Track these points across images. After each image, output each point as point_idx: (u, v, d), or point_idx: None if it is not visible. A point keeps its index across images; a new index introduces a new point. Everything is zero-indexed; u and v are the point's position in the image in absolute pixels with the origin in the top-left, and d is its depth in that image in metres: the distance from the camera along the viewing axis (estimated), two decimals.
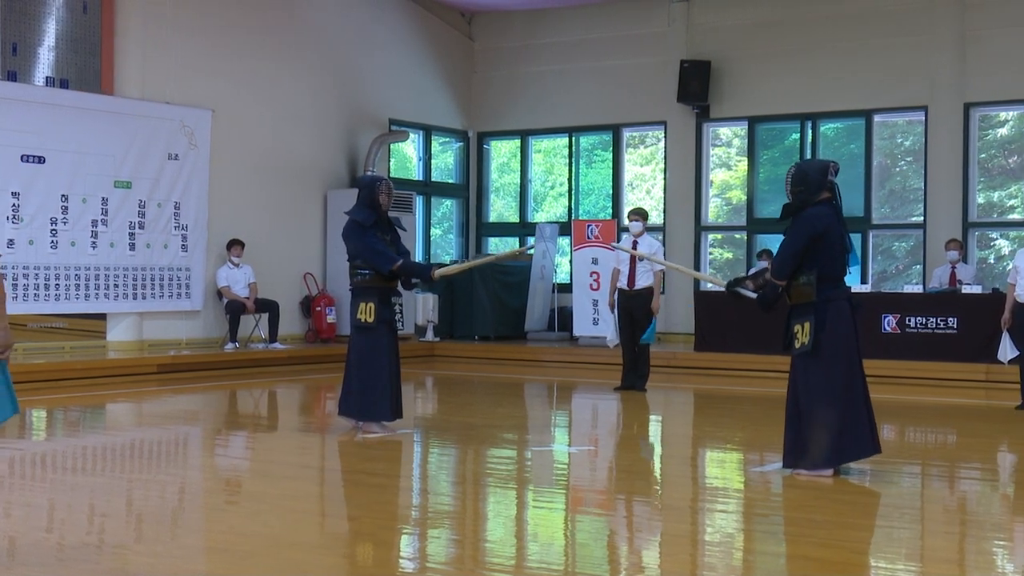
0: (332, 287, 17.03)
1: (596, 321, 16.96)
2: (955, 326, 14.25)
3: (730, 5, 18.00)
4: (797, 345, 7.57)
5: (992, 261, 17.20)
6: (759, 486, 7.62)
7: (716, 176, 18.74)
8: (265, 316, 15.76)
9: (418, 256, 18.55)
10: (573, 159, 19.53)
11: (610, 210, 18.95)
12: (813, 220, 7.51)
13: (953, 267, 15.13)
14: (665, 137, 18.55)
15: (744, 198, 18.16)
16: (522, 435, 10.07)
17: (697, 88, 17.70)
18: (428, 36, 19.20)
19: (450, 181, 20.15)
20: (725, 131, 18.78)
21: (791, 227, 7.62)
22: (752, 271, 13.32)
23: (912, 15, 16.78)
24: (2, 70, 13.88)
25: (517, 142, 20.05)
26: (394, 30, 18.61)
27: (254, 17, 16.44)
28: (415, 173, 19.50)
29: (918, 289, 15.10)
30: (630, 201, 18.78)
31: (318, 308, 16.78)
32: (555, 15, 19.25)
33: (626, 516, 6.85)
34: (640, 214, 13.00)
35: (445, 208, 20.35)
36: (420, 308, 17.56)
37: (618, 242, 14.61)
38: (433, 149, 19.68)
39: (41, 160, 13.96)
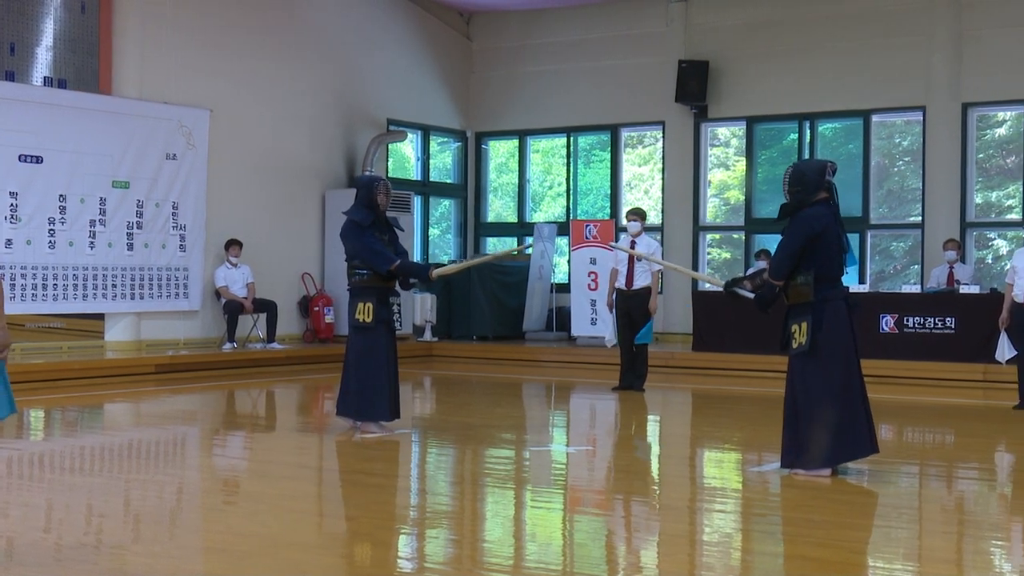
0: (330, 287, 17.03)
1: (594, 321, 16.96)
2: (953, 326, 14.26)
3: (728, 5, 18.01)
4: (794, 345, 7.57)
5: (990, 261, 17.21)
6: (757, 486, 7.63)
7: (714, 176, 18.75)
8: (263, 316, 15.76)
9: (416, 256, 18.55)
10: (571, 159, 19.53)
11: (608, 210, 18.95)
12: (811, 220, 7.51)
13: (951, 267, 15.13)
14: (663, 137, 18.56)
15: (742, 198, 18.16)
16: (520, 435, 10.06)
17: (695, 88, 17.71)
18: (426, 36, 19.20)
19: (448, 181, 20.15)
20: (723, 131, 18.78)
21: (789, 227, 7.62)
22: (750, 271, 13.33)
23: (910, 15, 16.79)
24: (0, 70, 13.87)
25: (515, 142, 20.05)
26: (392, 30, 18.61)
27: (252, 17, 16.43)
28: (413, 173, 19.50)
29: (916, 289, 15.11)
30: (628, 201, 18.78)
31: (316, 308, 16.78)
32: (553, 15, 19.25)
33: (624, 516, 6.85)
34: (638, 214, 13.00)
35: (443, 208, 20.35)
36: (418, 308, 17.56)
37: (616, 242, 14.60)
38: (431, 149, 19.67)
39: (39, 160, 13.95)
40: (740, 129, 18.25)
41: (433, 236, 20.00)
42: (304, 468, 8.38)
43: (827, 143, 17.87)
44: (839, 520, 6.48)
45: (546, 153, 20.33)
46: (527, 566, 5.55)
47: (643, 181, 19.52)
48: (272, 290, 16.09)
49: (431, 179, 19.66)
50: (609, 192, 19.17)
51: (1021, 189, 16.39)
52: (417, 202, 18.92)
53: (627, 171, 19.39)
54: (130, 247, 14.92)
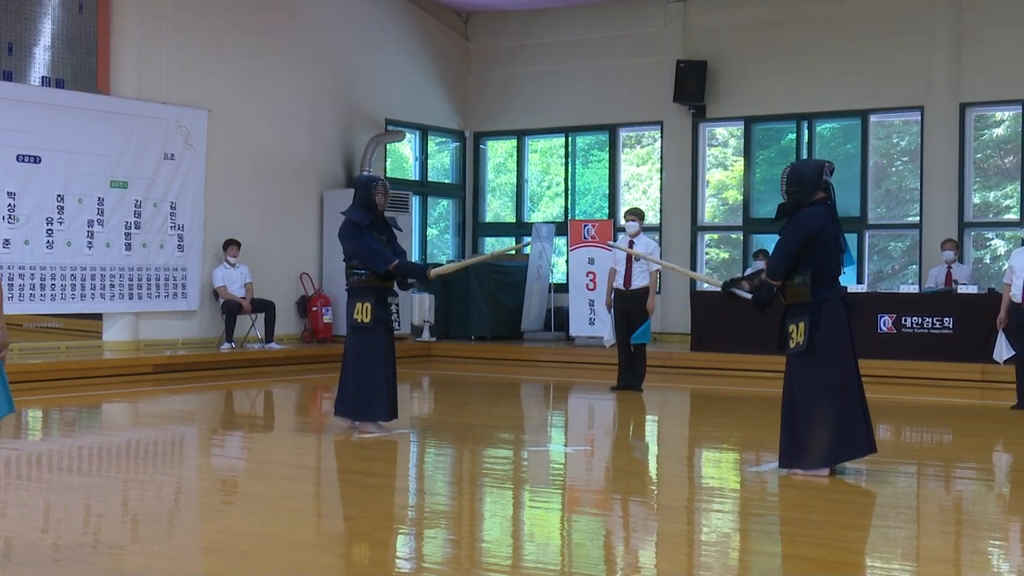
0: (328, 287, 17.03)
1: (592, 321, 16.96)
2: (951, 326, 14.27)
3: (726, 5, 18.01)
4: (792, 345, 7.57)
5: (988, 261, 17.21)
6: (755, 486, 7.63)
7: (712, 176, 18.75)
8: (261, 316, 15.76)
9: (415, 256, 18.55)
10: (569, 159, 19.54)
11: (606, 210, 18.96)
12: (808, 220, 7.51)
13: (949, 267, 15.14)
14: (661, 137, 18.56)
15: (740, 198, 18.17)
16: (518, 435, 10.06)
17: (693, 88, 17.72)
18: (424, 36, 19.20)
19: (446, 181, 20.15)
20: (721, 131, 18.78)
21: (786, 227, 7.62)
22: (748, 271, 13.33)
23: (908, 15, 16.80)
24: None
25: (513, 142, 20.06)
26: (390, 30, 18.61)
27: (250, 17, 16.43)
28: (411, 173, 19.50)
29: (914, 289, 15.12)
30: (626, 201, 18.79)
31: (314, 308, 16.78)
32: (551, 15, 19.25)
33: (622, 516, 6.85)
34: (636, 214, 13.01)
35: (441, 208, 20.35)
36: (416, 308, 17.56)
37: (614, 242, 14.60)
38: (429, 149, 19.67)
39: (37, 160, 13.95)
40: (738, 129, 18.25)
41: (431, 236, 20.00)
42: (302, 468, 8.38)
43: (825, 143, 17.88)
44: (837, 520, 6.48)
45: (544, 153, 20.33)
46: (525, 566, 5.55)
47: (641, 181, 19.53)
48: (270, 290, 16.09)
49: (429, 179, 19.66)
50: (607, 192, 19.17)
51: (1019, 189, 16.40)
52: (415, 202, 18.93)
53: (625, 171, 19.40)
54: (128, 247, 14.92)
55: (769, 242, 16.49)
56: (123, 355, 14.48)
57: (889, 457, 8.36)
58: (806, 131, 17.55)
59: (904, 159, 17.72)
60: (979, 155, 16.99)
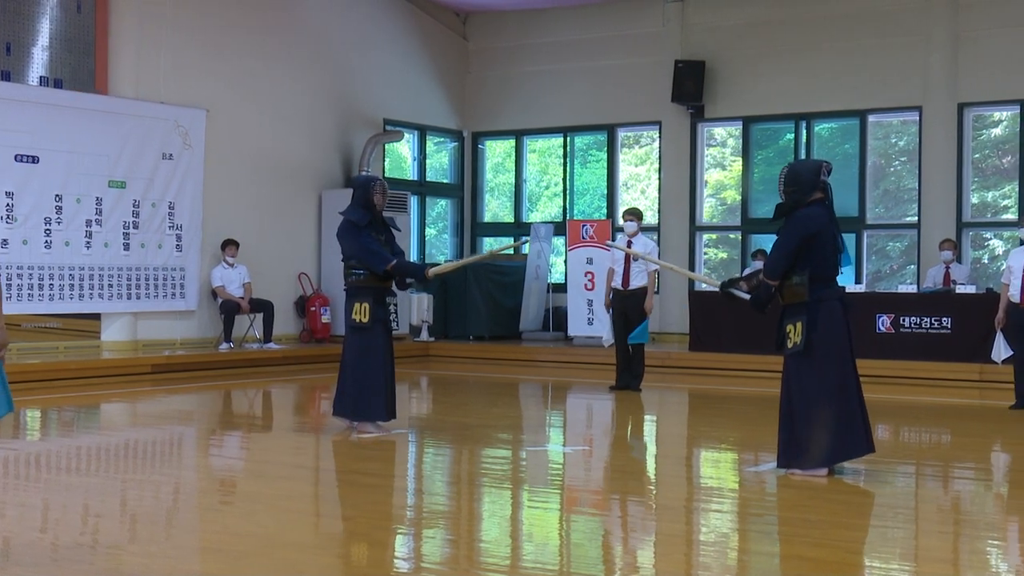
0: (327, 287, 17.03)
1: (591, 321, 16.96)
2: (949, 326, 14.27)
3: (724, 5, 18.02)
4: (789, 345, 7.57)
5: (986, 261, 17.22)
6: (754, 486, 7.63)
7: (711, 176, 18.75)
8: (260, 316, 15.76)
9: (413, 256, 18.55)
10: (568, 159, 19.54)
11: (605, 210, 18.96)
12: (806, 220, 7.52)
13: (947, 267, 15.15)
14: (660, 137, 18.57)
15: (739, 198, 18.17)
16: (517, 435, 10.06)
17: (692, 88, 17.72)
18: (423, 36, 19.20)
19: (445, 181, 20.15)
20: (720, 131, 18.79)
21: (784, 227, 7.63)
22: (747, 271, 13.33)
23: (906, 16, 16.81)
24: None
25: (512, 142, 20.06)
26: (389, 30, 18.61)
27: (249, 17, 16.43)
28: (410, 173, 19.50)
29: (912, 289, 15.12)
30: (625, 201, 18.79)
31: (313, 308, 16.78)
32: (549, 15, 19.25)
33: (621, 516, 6.85)
34: (634, 214, 13.01)
35: (440, 208, 20.35)
36: (415, 308, 17.56)
37: (612, 242, 14.60)
38: (428, 149, 19.67)
39: (35, 160, 13.94)
40: (736, 129, 18.26)
41: (430, 236, 20.00)
42: (301, 468, 8.38)
43: (823, 143, 17.88)
44: (835, 520, 6.48)
45: (543, 153, 20.33)
46: (524, 566, 5.55)
47: (639, 181, 19.53)
48: (269, 290, 16.09)
49: (428, 179, 19.66)
50: (605, 192, 19.18)
51: (1017, 189, 16.40)
52: (414, 202, 18.93)
53: (623, 171, 19.40)
54: (126, 247, 14.91)
55: (767, 242, 16.49)
56: (121, 355, 14.48)
57: (887, 457, 8.36)
58: (804, 131, 17.55)
59: (902, 159, 17.73)
60: (977, 155, 17.00)
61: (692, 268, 17.82)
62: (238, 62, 16.22)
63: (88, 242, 14.51)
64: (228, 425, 10.94)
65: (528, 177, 20.12)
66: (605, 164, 19.23)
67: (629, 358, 12.89)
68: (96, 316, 15.09)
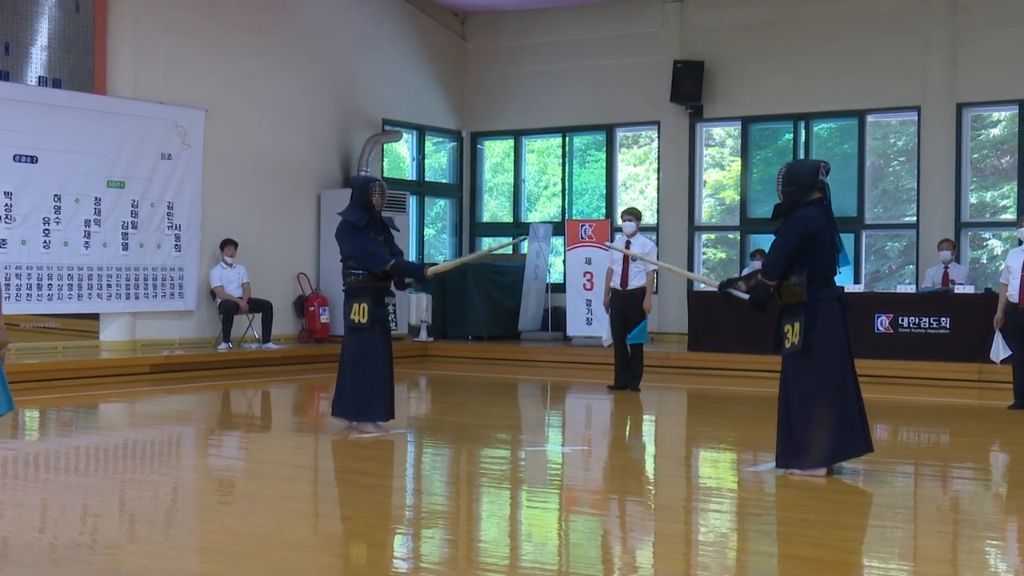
0: (325, 287, 17.03)
1: (590, 321, 16.96)
2: (948, 326, 14.27)
3: (723, 5, 18.02)
4: (787, 345, 7.57)
5: (985, 261, 17.23)
6: (752, 486, 7.63)
7: (709, 176, 18.76)
8: (258, 316, 15.75)
9: (412, 256, 18.54)
10: (566, 159, 19.54)
11: (603, 210, 18.96)
12: (804, 220, 7.52)
13: (946, 267, 15.15)
14: (658, 137, 18.57)
15: (737, 198, 18.18)
16: (516, 435, 10.06)
17: (690, 88, 17.72)
18: (421, 36, 19.20)
19: (444, 181, 20.15)
20: (718, 131, 18.79)
21: (782, 227, 7.63)
22: (745, 271, 13.33)
23: (905, 16, 16.81)
24: None
25: (510, 142, 20.06)
26: (387, 30, 18.61)
27: (247, 17, 16.43)
28: (408, 173, 19.50)
29: (911, 289, 15.13)
30: (623, 201, 18.79)
31: (311, 308, 16.78)
32: (548, 15, 19.25)
33: (620, 516, 6.85)
34: (633, 214, 13.02)
35: (439, 208, 20.35)
36: (413, 308, 17.56)
37: (611, 242, 14.60)
38: (427, 149, 19.67)
39: (34, 160, 13.94)
40: (735, 129, 18.26)
41: (428, 236, 20.00)
42: (300, 468, 8.38)
43: (822, 143, 17.89)
44: (834, 520, 6.48)
45: (541, 153, 20.33)
46: (523, 566, 5.55)
47: (638, 181, 19.53)
48: (267, 290, 16.09)
49: (426, 179, 19.66)
50: (604, 192, 19.18)
51: (1016, 189, 16.41)
52: (412, 202, 18.93)
53: (622, 171, 19.40)
54: (125, 247, 14.91)
55: (766, 242, 16.48)
56: (120, 355, 14.47)
57: (886, 457, 8.36)
58: (803, 131, 17.56)
59: (901, 159, 17.74)
60: (976, 155, 17.00)
61: (691, 268, 17.82)
62: (237, 62, 16.22)
63: (87, 242, 14.51)
64: (227, 425, 10.94)
65: (527, 177, 20.13)
66: (604, 164, 19.23)
67: (628, 358, 12.90)
68: (95, 316, 15.09)
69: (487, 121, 19.93)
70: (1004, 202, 16.85)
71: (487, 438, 9.63)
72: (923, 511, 7.09)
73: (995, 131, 17.22)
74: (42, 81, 14.35)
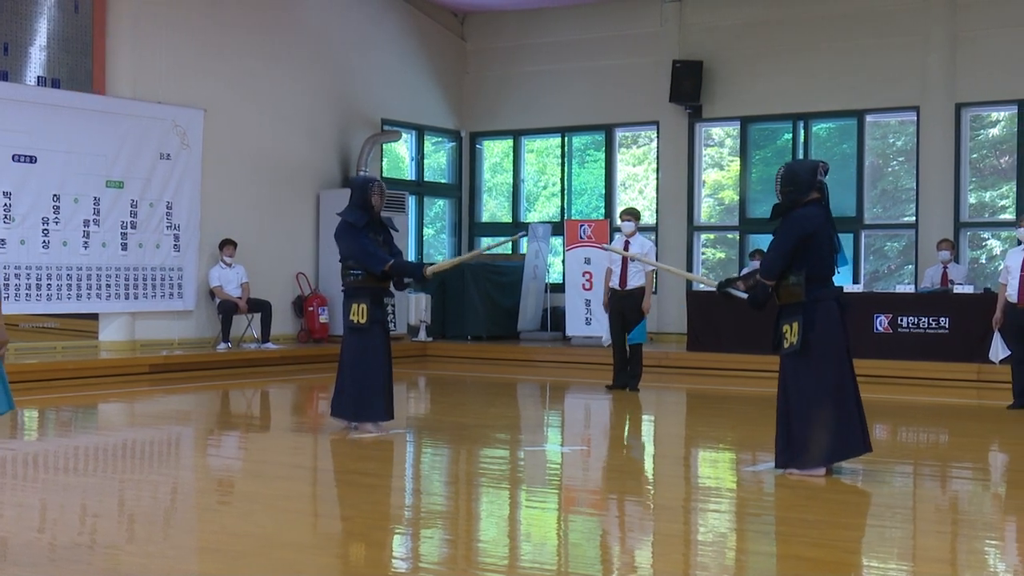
0: (324, 287, 17.03)
1: (589, 321, 16.96)
2: (947, 326, 14.28)
3: (722, 5, 18.02)
4: (786, 345, 7.57)
5: (984, 261, 17.23)
6: (751, 486, 7.63)
7: (708, 176, 18.76)
8: (257, 316, 15.75)
9: (411, 256, 18.54)
10: (566, 159, 19.54)
11: (602, 210, 18.96)
12: (802, 220, 7.52)
13: (945, 267, 15.15)
14: (657, 137, 18.57)
15: (736, 198, 18.18)
16: (515, 435, 10.07)
17: (689, 88, 17.72)
18: (420, 36, 19.20)
19: (443, 181, 20.15)
20: (717, 131, 18.79)
21: (780, 227, 7.63)
22: (744, 271, 13.33)
23: (904, 16, 16.82)
24: None
25: (510, 142, 20.06)
26: (386, 30, 18.61)
27: (246, 17, 16.42)
28: (408, 173, 19.50)
29: (910, 289, 15.13)
30: (622, 201, 18.80)
31: (311, 308, 16.78)
32: (547, 15, 19.25)
33: (619, 516, 6.85)
34: (632, 214, 13.01)
35: (438, 208, 20.35)
36: (412, 308, 17.55)
37: (610, 242, 14.61)
38: (426, 149, 19.67)
39: (33, 160, 13.94)
40: (734, 129, 18.26)
41: (428, 236, 20.00)
42: (299, 468, 8.38)
43: (821, 143, 17.89)
44: (833, 520, 6.48)
45: (540, 153, 20.33)
46: (522, 566, 5.55)
47: (637, 181, 19.53)
48: (266, 290, 16.08)
49: (425, 179, 19.65)
50: (603, 192, 19.18)
51: (1015, 189, 16.41)
52: (411, 202, 18.93)
53: (621, 171, 19.40)
54: (124, 247, 14.91)
55: (765, 242, 16.47)
56: (119, 355, 14.47)
57: (885, 457, 8.36)
58: (802, 131, 17.56)
59: (900, 159, 17.74)
60: (975, 155, 17.01)
61: (690, 268, 17.82)
62: (236, 62, 16.22)
63: (86, 242, 14.50)
64: (226, 425, 10.94)
65: (526, 177, 20.13)
66: (603, 164, 19.23)
67: (626, 358, 12.90)
68: (94, 316, 15.09)
69: (486, 121, 19.93)
70: (1003, 202, 16.86)
71: (486, 438, 9.63)
72: (922, 511, 7.09)
73: (994, 131, 17.23)
74: (41, 81, 14.35)
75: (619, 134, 19.23)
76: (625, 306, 12.74)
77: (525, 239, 18.27)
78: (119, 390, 12.82)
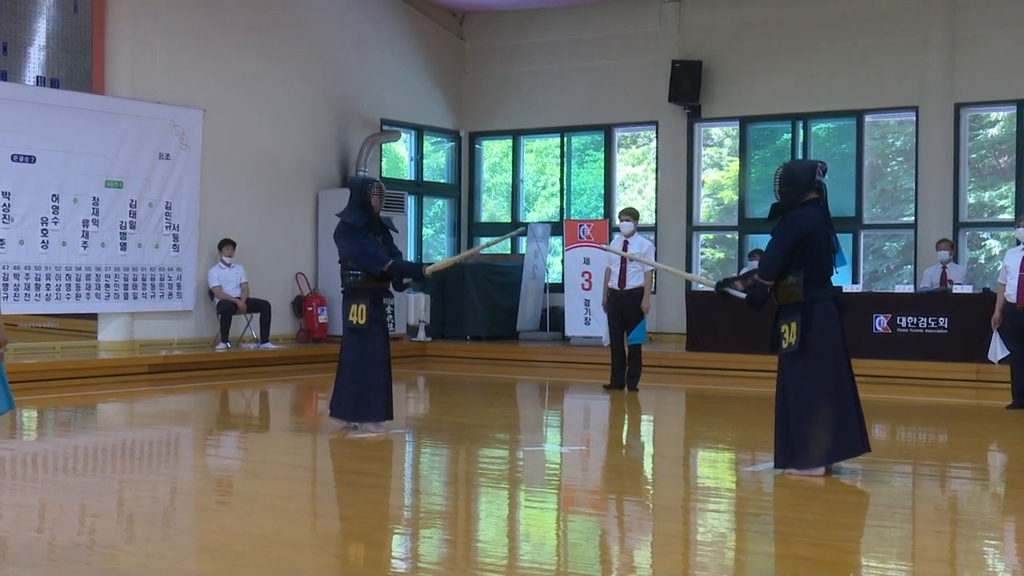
0: (324, 287, 17.03)
1: (588, 321, 16.96)
2: (946, 326, 14.28)
3: (721, 5, 18.02)
4: (784, 345, 7.58)
5: (983, 261, 17.24)
6: (750, 486, 7.63)
7: (707, 176, 18.76)
8: (257, 316, 15.75)
9: (410, 256, 18.54)
10: (565, 159, 19.54)
11: (602, 210, 18.97)
12: (800, 220, 7.52)
13: (944, 267, 15.16)
14: (657, 137, 18.57)
15: (735, 198, 18.19)
16: (514, 435, 10.07)
17: (689, 88, 17.72)
18: (419, 36, 19.20)
19: (442, 181, 20.15)
20: (717, 131, 18.79)
21: (778, 227, 7.63)
22: (743, 271, 13.33)
23: (903, 16, 16.82)
24: None
25: (509, 142, 20.06)
26: (385, 30, 18.61)
27: (245, 17, 16.42)
28: (407, 173, 19.50)
29: (909, 289, 15.13)
30: (622, 201, 18.79)
31: (310, 308, 16.78)
32: (546, 15, 19.25)
33: (618, 516, 6.86)
34: (631, 214, 13.02)
35: (437, 208, 20.35)
36: (412, 308, 17.55)
37: (609, 242, 14.61)
38: (425, 149, 19.67)
39: (32, 160, 13.93)
40: (733, 129, 18.27)
41: (427, 236, 20.00)
42: (298, 468, 8.38)
43: (820, 143, 17.90)
44: (832, 520, 6.49)
45: (540, 153, 20.34)
46: (521, 566, 5.55)
47: (636, 181, 19.53)
48: (266, 290, 16.08)
49: (424, 179, 19.65)
50: (602, 192, 19.18)
51: (1014, 189, 16.41)
52: (411, 202, 18.93)
53: (620, 171, 19.41)
54: (123, 247, 14.91)
55: (764, 242, 16.46)
56: (118, 355, 14.47)
57: (884, 457, 8.37)
58: (801, 131, 17.56)
59: (899, 159, 17.74)
60: (974, 155, 17.01)
61: (689, 268, 17.83)
62: (235, 62, 16.22)
63: (85, 242, 14.50)
64: (225, 425, 10.94)
65: (525, 177, 20.13)
66: (602, 164, 19.23)
67: (625, 358, 12.90)
68: (93, 316, 15.08)
69: (485, 121, 19.93)
70: (1002, 202, 16.86)
71: (485, 438, 9.63)
72: (921, 511, 7.09)
73: (993, 131, 17.23)
74: (40, 81, 14.35)
75: (618, 134, 19.23)
76: (624, 306, 12.74)
77: (524, 239, 18.29)
78: (118, 390, 12.82)
